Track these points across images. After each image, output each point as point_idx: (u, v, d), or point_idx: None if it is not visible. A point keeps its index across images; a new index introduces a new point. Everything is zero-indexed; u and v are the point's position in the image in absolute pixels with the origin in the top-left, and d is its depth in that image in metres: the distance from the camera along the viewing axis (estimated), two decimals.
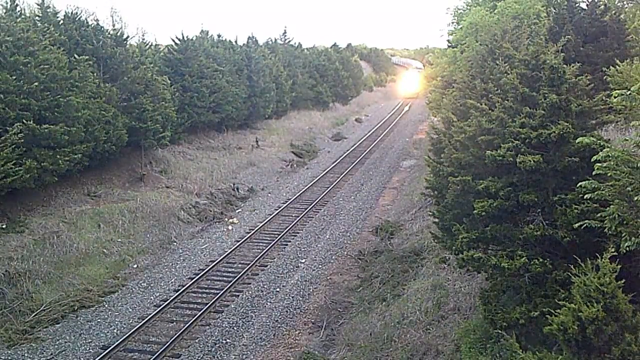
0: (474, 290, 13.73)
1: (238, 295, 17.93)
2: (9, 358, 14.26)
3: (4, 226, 19.90)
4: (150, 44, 36.45)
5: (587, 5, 19.92)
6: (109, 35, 28.61)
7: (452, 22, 34.45)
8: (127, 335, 15.20)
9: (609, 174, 8.08)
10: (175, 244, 22.55)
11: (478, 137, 11.24)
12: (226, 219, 25.84)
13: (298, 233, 23.84)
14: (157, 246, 22.09)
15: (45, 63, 22.17)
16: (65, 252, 19.47)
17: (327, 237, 23.60)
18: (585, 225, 8.57)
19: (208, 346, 14.93)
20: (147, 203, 24.68)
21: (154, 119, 28.11)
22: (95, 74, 25.62)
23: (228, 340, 15.27)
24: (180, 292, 17.96)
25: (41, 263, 18.34)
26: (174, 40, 37.11)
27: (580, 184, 8.75)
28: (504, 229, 10.32)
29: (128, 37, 30.39)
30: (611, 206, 8.05)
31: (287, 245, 22.45)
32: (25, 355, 14.43)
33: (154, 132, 28.17)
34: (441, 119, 20.50)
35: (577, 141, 9.09)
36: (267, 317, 16.63)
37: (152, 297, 17.88)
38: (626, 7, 22.93)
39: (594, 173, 8.43)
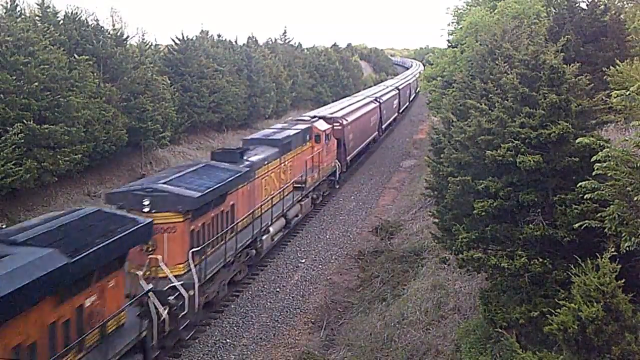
0: (474, 290, 13.73)
1: (238, 295, 17.92)
2: None
3: (4, 226, 19.89)
4: (150, 44, 36.51)
5: (587, 5, 19.91)
6: (109, 35, 28.66)
7: (452, 22, 34.41)
8: None
9: (609, 174, 8.08)
10: None
11: (478, 137, 11.23)
12: None
13: (298, 233, 23.83)
14: None
15: (45, 63, 22.19)
16: None
17: (327, 237, 23.59)
18: (585, 225, 8.56)
19: (208, 346, 14.92)
20: None
21: (154, 119, 28.14)
22: (95, 74, 25.65)
23: (228, 340, 15.26)
24: None
25: None
26: (174, 40, 37.17)
27: (580, 184, 8.75)
28: (504, 229, 10.31)
29: (128, 37, 30.48)
30: (611, 206, 8.05)
31: (287, 245, 22.43)
32: None
33: (154, 132, 28.20)
34: (441, 119, 20.52)
35: (577, 141, 9.10)
36: (267, 317, 16.63)
37: None
38: (626, 7, 22.91)
39: (594, 173, 8.43)
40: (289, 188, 22.01)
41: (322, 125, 26.97)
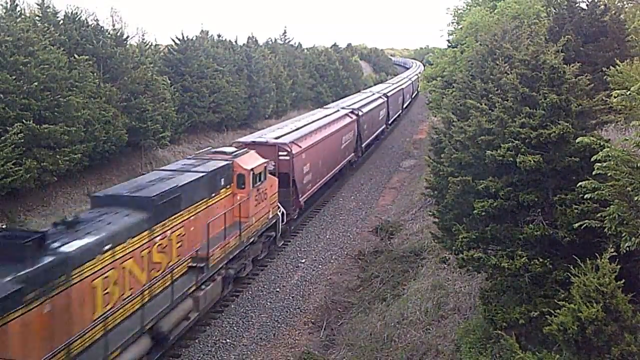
0: (474, 290, 13.73)
1: (238, 296, 17.93)
2: None
3: (4, 226, 19.92)
4: (150, 44, 36.58)
5: (587, 5, 19.91)
6: (109, 35, 28.71)
7: (452, 22, 34.47)
8: None
9: (609, 174, 8.09)
10: None
11: (478, 137, 11.24)
12: None
13: (298, 233, 23.83)
14: None
15: (45, 63, 22.22)
16: None
17: (327, 237, 23.59)
18: (585, 225, 8.57)
19: (208, 346, 14.93)
20: None
21: (154, 119, 28.18)
22: (95, 74, 25.68)
23: (228, 340, 15.27)
24: None
25: None
26: (174, 40, 37.21)
27: (580, 184, 8.75)
28: (504, 229, 10.32)
29: (128, 37, 30.53)
30: (611, 206, 8.06)
31: (287, 245, 22.44)
32: None
33: (154, 132, 28.24)
34: (441, 119, 20.52)
35: (577, 141, 9.10)
36: (267, 317, 16.63)
37: None
38: (626, 7, 22.90)
39: (594, 173, 8.44)
40: (169, 277, 12.87)
41: (249, 162, 17.65)
